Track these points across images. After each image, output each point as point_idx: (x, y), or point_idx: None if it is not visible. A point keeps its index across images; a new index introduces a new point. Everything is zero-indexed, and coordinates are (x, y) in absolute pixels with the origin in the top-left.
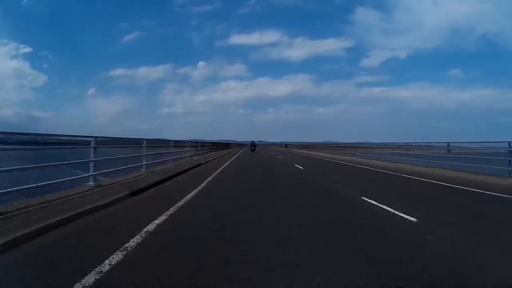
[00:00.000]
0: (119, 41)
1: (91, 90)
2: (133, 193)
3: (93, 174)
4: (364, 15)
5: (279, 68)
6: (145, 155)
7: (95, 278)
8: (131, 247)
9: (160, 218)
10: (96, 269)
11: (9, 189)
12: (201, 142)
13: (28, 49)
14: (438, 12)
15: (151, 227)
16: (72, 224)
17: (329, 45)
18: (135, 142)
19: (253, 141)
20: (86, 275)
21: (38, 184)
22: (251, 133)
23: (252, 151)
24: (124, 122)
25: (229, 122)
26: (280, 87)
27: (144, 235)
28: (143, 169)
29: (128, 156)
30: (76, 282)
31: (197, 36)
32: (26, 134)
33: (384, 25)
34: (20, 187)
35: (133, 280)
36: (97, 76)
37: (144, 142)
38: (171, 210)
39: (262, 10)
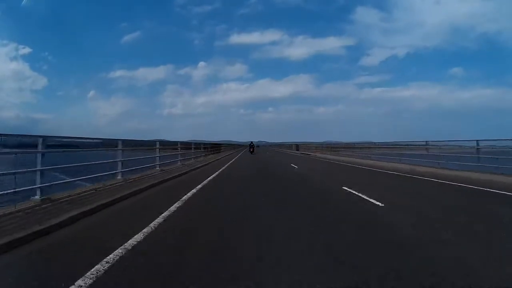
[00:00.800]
0: (119, 42)
1: (91, 92)
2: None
3: (121, 171)
4: (364, 14)
5: (279, 69)
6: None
7: (177, 206)
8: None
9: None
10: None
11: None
12: (194, 143)
13: (27, 50)
14: (439, 10)
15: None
16: (145, 192)
17: (330, 43)
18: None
19: (251, 142)
20: (173, 204)
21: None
22: (252, 133)
23: (251, 152)
24: (124, 123)
25: (229, 123)
26: (281, 88)
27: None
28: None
29: (144, 158)
30: (161, 213)
31: (197, 37)
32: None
33: (384, 24)
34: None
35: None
36: (97, 77)
37: (158, 144)
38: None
39: (262, 9)
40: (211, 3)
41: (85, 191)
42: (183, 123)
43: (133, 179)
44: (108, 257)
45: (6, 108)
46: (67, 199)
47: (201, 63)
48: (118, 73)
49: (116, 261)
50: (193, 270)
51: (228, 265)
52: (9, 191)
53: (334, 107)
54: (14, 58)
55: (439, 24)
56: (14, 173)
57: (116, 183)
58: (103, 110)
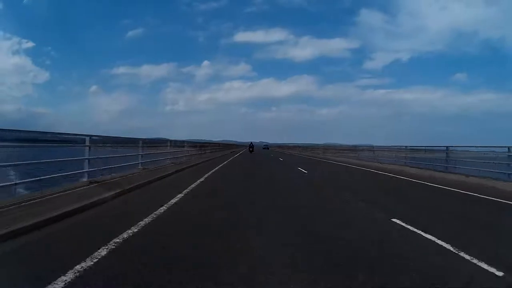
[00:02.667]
0: (123, 38)
1: (93, 88)
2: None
3: (140, 162)
4: (368, 17)
5: (283, 69)
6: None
7: (187, 191)
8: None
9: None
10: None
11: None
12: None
13: (30, 44)
14: (442, 16)
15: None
16: (162, 181)
17: (335, 45)
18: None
19: (251, 142)
20: (182, 191)
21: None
22: (253, 134)
23: (250, 152)
24: (125, 120)
25: (230, 123)
26: (284, 88)
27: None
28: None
29: (160, 153)
30: (172, 198)
31: (202, 34)
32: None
33: (388, 27)
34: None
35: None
36: (99, 73)
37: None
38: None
39: (268, 9)
40: (217, 0)
41: (121, 176)
42: (184, 122)
43: (149, 169)
44: (158, 210)
45: (7, 101)
46: (108, 181)
47: (205, 62)
48: (121, 69)
49: (163, 211)
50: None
51: None
52: (70, 172)
53: (336, 108)
54: (16, 52)
55: (443, 30)
56: (70, 160)
57: (136, 172)
58: (105, 106)
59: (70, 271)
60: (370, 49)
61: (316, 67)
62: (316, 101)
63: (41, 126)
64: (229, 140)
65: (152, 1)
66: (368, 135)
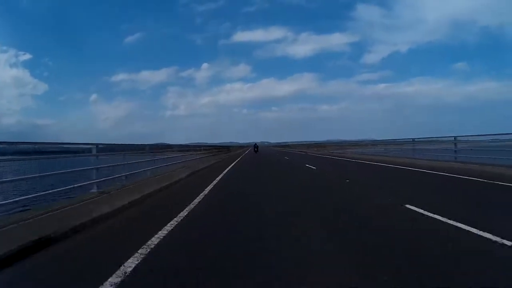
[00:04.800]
0: (121, 44)
1: (93, 96)
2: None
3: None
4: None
5: (283, 68)
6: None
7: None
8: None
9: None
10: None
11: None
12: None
13: (27, 56)
14: (439, 5)
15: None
16: (180, 183)
17: (334, 40)
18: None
19: (255, 143)
20: (208, 186)
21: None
22: (255, 134)
23: (255, 152)
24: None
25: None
26: (284, 87)
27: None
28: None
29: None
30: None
31: (201, 37)
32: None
33: (386, 20)
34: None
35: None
36: (99, 81)
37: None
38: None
39: (266, 7)
40: (215, 1)
41: (127, 186)
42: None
43: (158, 176)
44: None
45: (8, 115)
46: (116, 191)
47: (204, 65)
48: (121, 76)
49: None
50: None
51: None
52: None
53: (338, 105)
54: (14, 65)
55: (440, 19)
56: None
57: (145, 178)
58: (105, 114)
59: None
60: (370, 42)
61: (316, 63)
62: (317, 99)
63: (44, 136)
64: (232, 142)
65: (149, 5)
66: (371, 129)
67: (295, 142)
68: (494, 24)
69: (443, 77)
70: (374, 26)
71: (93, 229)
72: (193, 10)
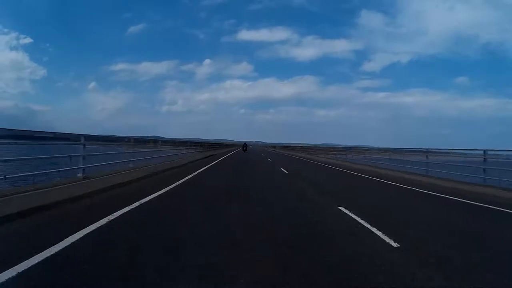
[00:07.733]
0: (123, 34)
1: (91, 84)
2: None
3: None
4: (370, 17)
5: (285, 69)
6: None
7: (193, 174)
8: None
9: None
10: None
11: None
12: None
13: (28, 40)
14: (443, 19)
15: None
16: (173, 170)
17: (338, 46)
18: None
19: (245, 143)
20: (196, 171)
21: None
22: (249, 133)
23: (244, 151)
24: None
25: (228, 122)
26: (284, 89)
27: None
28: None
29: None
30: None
31: (205, 31)
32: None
33: (389, 28)
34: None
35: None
36: (98, 70)
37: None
38: None
39: (273, 6)
40: None
41: (110, 173)
42: (181, 121)
43: (140, 167)
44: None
45: (4, 98)
46: (98, 177)
47: (207, 61)
48: (120, 66)
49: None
50: None
51: None
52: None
53: (336, 110)
54: (14, 48)
55: (443, 32)
56: (70, 156)
57: (130, 169)
58: (103, 104)
59: None
60: (371, 50)
61: (318, 67)
62: (315, 102)
63: (40, 123)
64: (226, 140)
65: None
66: (366, 137)
67: (290, 143)
68: (496, 41)
69: (442, 90)
70: (376, 34)
71: (75, 204)
72: (199, 4)
